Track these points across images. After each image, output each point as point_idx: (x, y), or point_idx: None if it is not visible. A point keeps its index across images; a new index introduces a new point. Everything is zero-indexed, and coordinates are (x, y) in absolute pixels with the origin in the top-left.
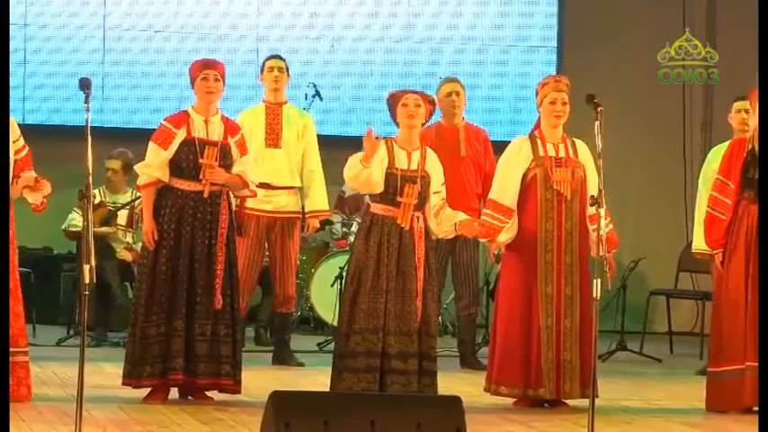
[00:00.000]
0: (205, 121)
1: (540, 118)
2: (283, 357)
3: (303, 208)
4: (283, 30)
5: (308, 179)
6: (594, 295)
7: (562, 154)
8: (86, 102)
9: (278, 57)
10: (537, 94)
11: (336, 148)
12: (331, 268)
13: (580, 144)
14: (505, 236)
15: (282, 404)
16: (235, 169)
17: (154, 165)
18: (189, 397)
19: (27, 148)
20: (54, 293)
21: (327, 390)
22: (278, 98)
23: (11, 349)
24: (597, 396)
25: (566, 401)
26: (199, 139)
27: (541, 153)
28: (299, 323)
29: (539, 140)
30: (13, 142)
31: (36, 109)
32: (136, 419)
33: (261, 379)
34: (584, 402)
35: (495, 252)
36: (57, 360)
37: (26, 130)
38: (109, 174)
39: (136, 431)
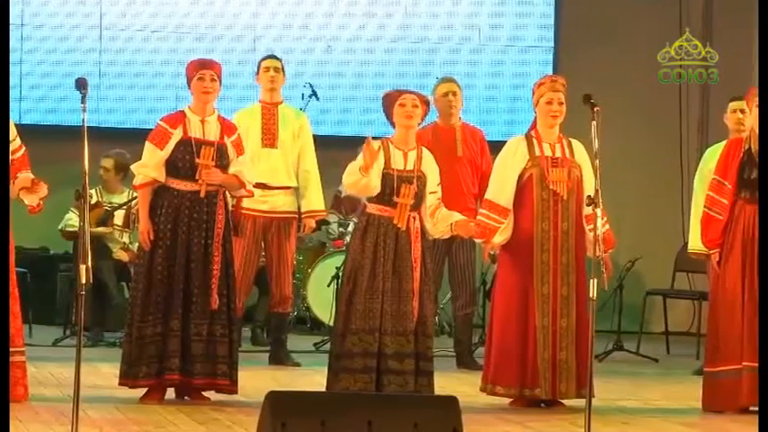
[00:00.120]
0: (201, 121)
1: (536, 118)
2: (280, 357)
3: (299, 208)
4: (279, 30)
5: (304, 179)
6: (591, 295)
7: (558, 154)
8: (83, 102)
9: (274, 57)
10: (533, 93)
11: (332, 149)
12: (327, 268)
13: (576, 144)
14: (500, 237)
15: (279, 404)
16: (231, 169)
17: (150, 165)
18: (185, 397)
19: (24, 148)
20: (50, 294)
21: (324, 390)
22: (274, 98)
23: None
24: (594, 396)
25: (562, 401)
26: (195, 139)
27: (538, 153)
28: (295, 323)
29: (535, 140)
30: (10, 142)
31: (32, 109)
32: (132, 419)
33: (257, 379)
34: (581, 402)
35: (491, 252)
36: (53, 360)
37: (22, 129)
38: (101, 172)
39: (132, 431)
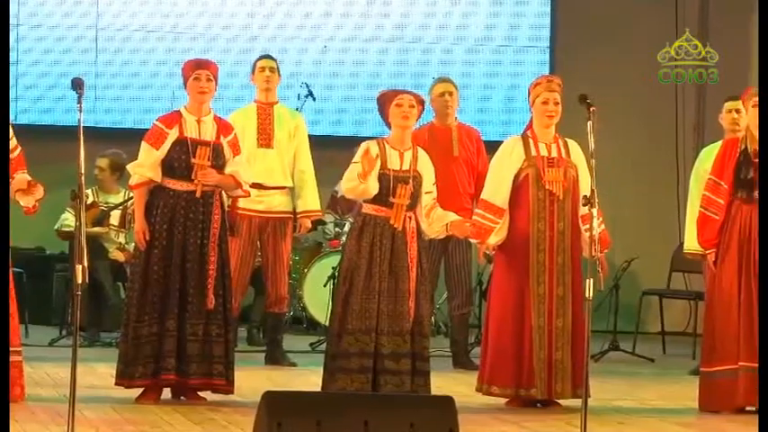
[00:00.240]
0: (197, 120)
1: (532, 118)
2: (276, 357)
3: (295, 208)
4: (275, 30)
5: (299, 179)
6: (587, 295)
7: (554, 154)
8: (79, 102)
9: (269, 57)
10: (529, 93)
11: (328, 148)
12: (324, 268)
13: (572, 144)
14: (495, 238)
15: (275, 404)
16: (227, 169)
17: (146, 165)
18: (181, 397)
19: (20, 148)
20: (46, 294)
21: (320, 390)
22: (269, 98)
23: None
24: (590, 396)
25: (558, 401)
26: (191, 139)
27: (534, 153)
28: (291, 323)
29: (531, 140)
30: None
31: (28, 109)
32: (128, 419)
33: (253, 379)
34: (577, 402)
35: (486, 252)
36: (49, 360)
37: (18, 129)
38: (97, 172)
39: (128, 431)
